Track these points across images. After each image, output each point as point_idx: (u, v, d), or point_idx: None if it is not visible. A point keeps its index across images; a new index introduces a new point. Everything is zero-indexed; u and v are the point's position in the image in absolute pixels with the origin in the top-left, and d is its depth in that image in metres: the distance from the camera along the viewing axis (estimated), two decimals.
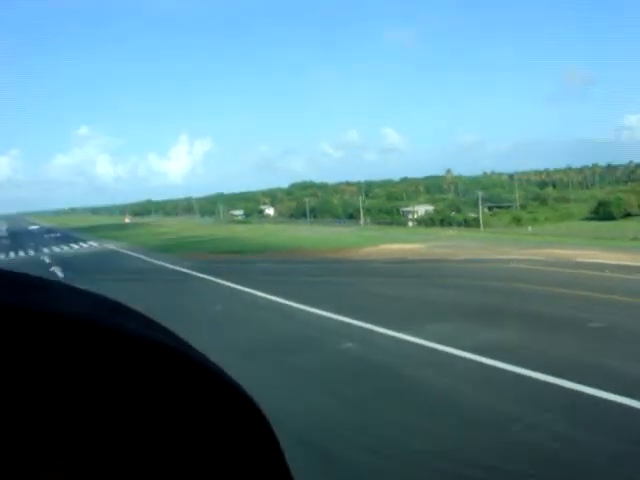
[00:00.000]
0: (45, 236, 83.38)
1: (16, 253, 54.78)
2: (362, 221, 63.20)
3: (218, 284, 25.29)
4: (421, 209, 64.76)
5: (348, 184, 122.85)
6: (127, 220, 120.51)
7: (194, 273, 28.70)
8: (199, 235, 57.56)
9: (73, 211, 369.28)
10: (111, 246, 51.19)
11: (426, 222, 57.79)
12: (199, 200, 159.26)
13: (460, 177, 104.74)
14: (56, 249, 54.91)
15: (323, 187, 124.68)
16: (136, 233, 68.73)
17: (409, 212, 64.03)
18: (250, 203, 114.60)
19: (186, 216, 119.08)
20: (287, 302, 19.84)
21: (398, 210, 66.32)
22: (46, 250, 54.85)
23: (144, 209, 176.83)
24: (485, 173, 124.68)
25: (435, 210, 62.97)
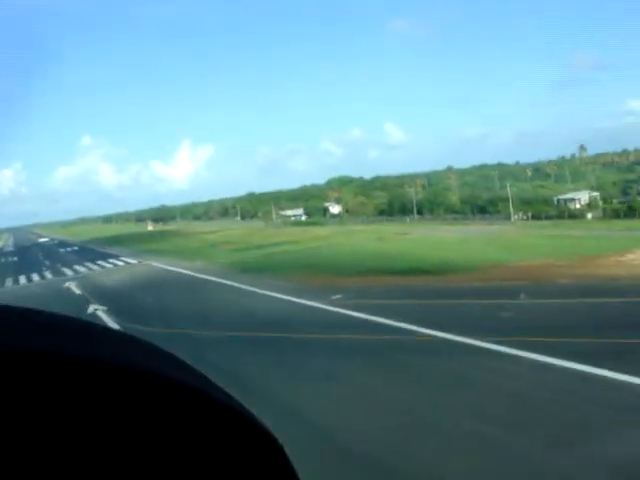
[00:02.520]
0: (61, 250, 69.55)
1: (28, 277, 40.64)
2: (515, 216, 47.74)
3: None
4: (581, 196, 49.82)
5: (410, 177, 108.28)
6: (150, 227, 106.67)
7: (420, 329, 14.15)
8: (275, 243, 43.16)
9: (83, 221, 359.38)
10: (158, 264, 36.97)
11: (609, 213, 42.97)
12: (224, 201, 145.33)
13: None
14: (81, 269, 40.72)
15: (376, 181, 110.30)
16: (180, 244, 54.48)
17: (570, 200, 49.09)
18: (294, 202, 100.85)
19: (223, 220, 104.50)
20: None
21: (546, 200, 51.30)
22: (68, 271, 40.66)
23: (161, 215, 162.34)
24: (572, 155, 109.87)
25: (601, 197, 48.07)
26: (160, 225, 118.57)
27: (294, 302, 18.91)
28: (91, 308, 22.38)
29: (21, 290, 33.06)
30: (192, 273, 30.18)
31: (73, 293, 28.72)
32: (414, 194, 63.41)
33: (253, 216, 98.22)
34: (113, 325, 18.12)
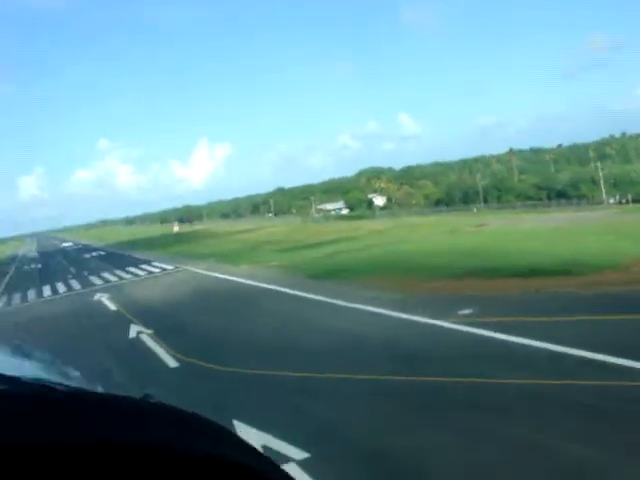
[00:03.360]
0: (86, 256, 65.83)
1: (53, 287, 36.71)
2: (611, 200, 42.02)
3: None
4: None
5: (438, 164, 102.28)
6: (176, 229, 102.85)
7: None
8: (328, 241, 38.56)
9: (104, 223, 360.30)
10: (199, 270, 32.62)
11: None
12: (252, 198, 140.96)
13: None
14: (111, 278, 36.56)
15: (412, 170, 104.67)
16: (216, 245, 50.14)
17: None
18: (328, 195, 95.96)
19: (254, 217, 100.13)
20: None
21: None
22: (97, 280, 36.56)
23: (185, 215, 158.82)
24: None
25: None
26: (187, 226, 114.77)
27: (410, 321, 14.10)
28: (133, 331, 17.91)
29: (46, 306, 28.87)
30: (244, 280, 25.60)
31: (107, 309, 24.37)
32: (479, 180, 57.78)
33: (286, 212, 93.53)
34: (170, 360, 13.62)
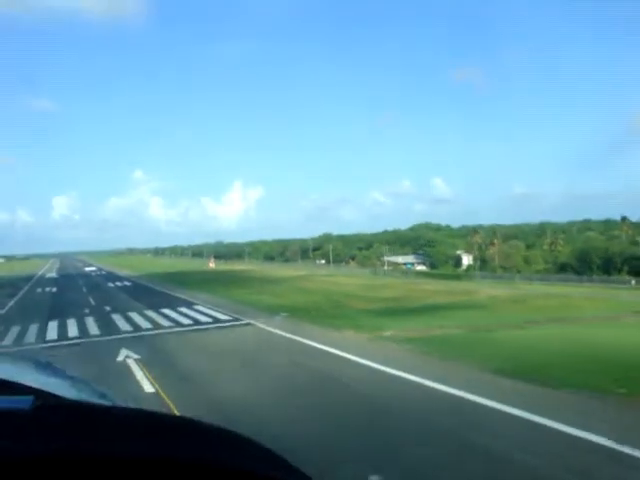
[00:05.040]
0: (110, 286, 56.20)
1: (62, 326, 26.70)
2: None
3: None
4: None
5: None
6: (212, 265, 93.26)
7: None
8: (444, 306, 28.02)
9: (131, 252, 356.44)
10: (277, 330, 22.34)
11: None
12: (294, 242, 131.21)
13: None
14: (142, 322, 26.38)
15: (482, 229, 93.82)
16: (277, 293, 39.73)
17: None
18: (389, 246, 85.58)
19: (304, 263, 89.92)
20: None
21: None
22: (122, 324, 26.45)
23: (218, 251, 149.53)
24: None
25: None
26: (223, 263, 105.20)
27: None
28: None
29: (49, 352, 18.45)
30: (381, 368, 14.99)
31: (139, 387, 13.85)
32: (620, 246, 46.58)
33: (341, 260, 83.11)
34: None
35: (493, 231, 75.13)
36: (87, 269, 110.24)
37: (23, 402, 0.50)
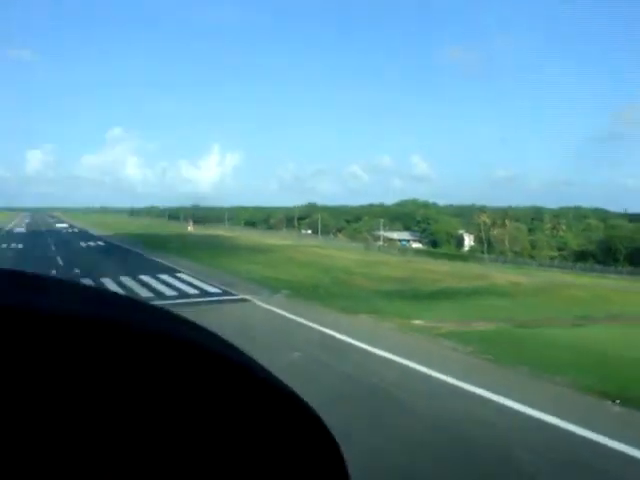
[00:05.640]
0: (82, 245, 51.85)
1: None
2: None
3: None
4: None
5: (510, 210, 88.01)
6: (190, 228, 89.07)
7: None
8: (471, 291, 24.61)
9: (105, 210, 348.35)
10: (278, 309, 18.58)
11: None
12: (278, 210, 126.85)
13: None
14: (117, 289, 21.86)
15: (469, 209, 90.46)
16: (271, 264, 36.04)
17: None
18: (377, 220, 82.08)
19: (289, 232, 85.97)
20: None
21: None
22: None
23: (195, 215, 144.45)
24: None
25: None
26: (202, 227, 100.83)
27: None
28: None
29: None
30: (454, 381, 11.38)
31: None
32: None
33: (332, 232, 79.26)
34: None
35: (505, 212, 71.42)
36: (59, 225, 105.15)
37: None
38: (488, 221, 66.53)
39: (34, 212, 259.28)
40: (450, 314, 19.26)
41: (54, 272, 28.90)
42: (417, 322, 17.52)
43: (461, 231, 70.42)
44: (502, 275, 33.76)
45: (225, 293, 22.38)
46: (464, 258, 46.06)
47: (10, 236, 68.52)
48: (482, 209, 72.20)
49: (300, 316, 17.48)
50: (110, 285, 24.52)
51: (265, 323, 16.49)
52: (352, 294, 23.26)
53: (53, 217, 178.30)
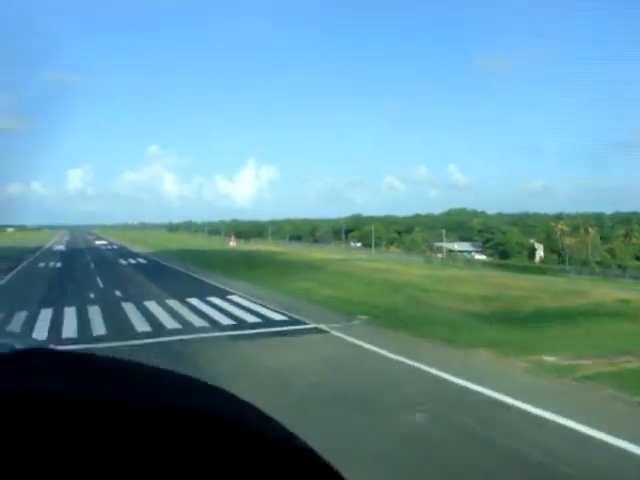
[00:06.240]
0: (122, 263, 49.59)
1: (57, 322, 19.41)
2: None
3: None
4: None
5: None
6: (232, 244, 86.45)
7: None
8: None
9: (144, 226, 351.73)
10: (387, 351, 14.55)
11: None
12: (321, 222, 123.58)
13: None
14: (171, 323, 19.12)
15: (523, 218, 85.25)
16: (338, 283, 32.59)
17: None
18: (432, 231, 77.98)
19: (337, 245, 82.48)
20: None
21: None
22: (141, 323, 19.14)
23: (235, 229, 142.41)
24: None
25: None
26: (243, 242, 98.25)
27: None
28: None
29: None
30: None
31: None
32: None
33: (383, 245, 75.42)
34: None
35: (585, 219, 65.81)
36: (97, 242, 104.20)
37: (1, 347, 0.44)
38: (565, 229, 61.18)
39: (73, 229, 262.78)
40: (579, 346, 15.44)
41: (93, 295, 26.13)
42: (549, 359, 13.78)
43: (532, 240, 65.60)
44: (600, 290, 29.55)
45: (292, 321, 19.00)
46: (542, 271, 41.77)
47: (50, 254, 67.01)
48: (558, 217, 67.08)
49: (398, 353, 13.94)
50: (156, 310, 21.44)
51: (358, 366, 12.97)
52: (442, 318, 19.58)
53: (92, 234, 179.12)
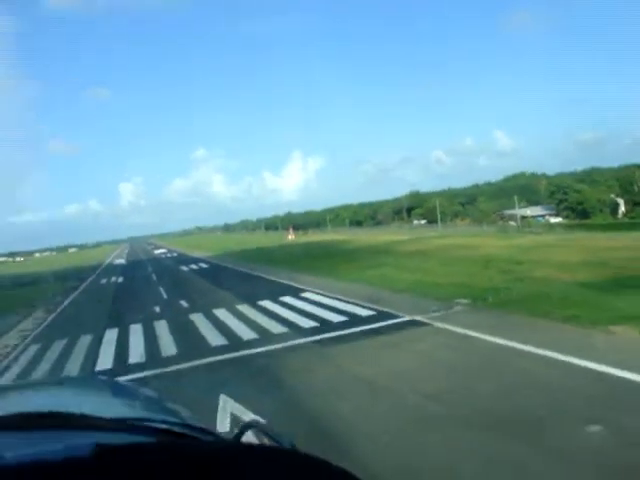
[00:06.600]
0: (184, 270, 48.47)
1: (123, 344, 17.64)
2: None
3: None
4: None
5: None
6: (291, 237, 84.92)
7: None
8: None
9: (199, 230, 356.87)
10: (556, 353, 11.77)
11: None
12: (382, 203, 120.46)
13: None
14: (247, 333, 17.03)
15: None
16: (415, 266, 30.21)
17: None
18: (497, 200, 74.09)
19: (400, 225, 79.72)
20: None
21: None
22: (214, 336, 17.15)
23: (290, 223, 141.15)
24: None
25: None
26: (301, 234, 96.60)
27: None
28: None
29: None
30: None
31: None
32: None
33: (448, 219, 72.16)
34: None
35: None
36: (157, 252, 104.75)
37: (82, 448, 0.39)
38: None
39: (132, 241, 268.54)
40: None
41: (158, 309, 24.58)
42: None
43: (612, 195, 61.02)
44: None
45: (382, 315, 16.70)
46: (634, 226, 37.88)
47: (111, 269, 67.05)
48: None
49: (524, 342, 11.44)
50: (227, 318, 19.56)
51: (485, 365, 10.52)
52: (552, 293, 16.87)
53: (150, 244, 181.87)
